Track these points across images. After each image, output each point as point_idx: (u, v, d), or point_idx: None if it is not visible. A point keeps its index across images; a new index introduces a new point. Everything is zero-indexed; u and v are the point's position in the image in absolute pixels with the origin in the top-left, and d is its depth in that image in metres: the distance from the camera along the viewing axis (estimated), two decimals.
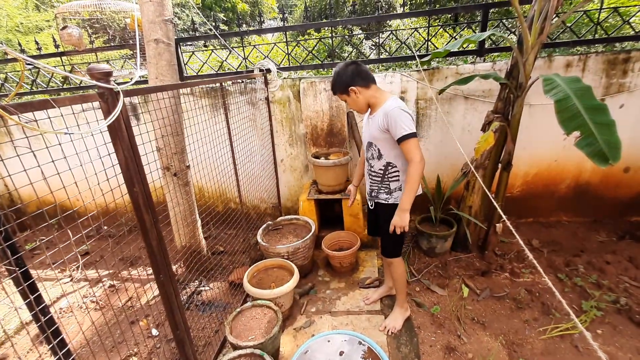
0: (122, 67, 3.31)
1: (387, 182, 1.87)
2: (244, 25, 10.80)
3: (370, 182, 1.96)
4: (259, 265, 2.42)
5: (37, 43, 3.23)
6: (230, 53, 3.56)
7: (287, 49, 3.09)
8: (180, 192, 2.55)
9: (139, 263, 3.26)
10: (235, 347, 1.76)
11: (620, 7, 2.70)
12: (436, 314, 2.27)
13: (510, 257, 2.77)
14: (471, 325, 2.19)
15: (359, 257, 2.89)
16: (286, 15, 3.12)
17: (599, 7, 2.63)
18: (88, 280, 3.11)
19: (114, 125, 1.20)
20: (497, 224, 2.64)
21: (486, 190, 1.98)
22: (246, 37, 3.73)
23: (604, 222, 3.19)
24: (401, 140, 1.66)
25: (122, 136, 1.24)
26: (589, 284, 2.42)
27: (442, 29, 4.25)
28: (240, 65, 3.31)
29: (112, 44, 2.94)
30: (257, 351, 1.70)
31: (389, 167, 1.83)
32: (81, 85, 3.53)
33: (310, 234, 2.60)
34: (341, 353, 1.74)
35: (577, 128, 1.66)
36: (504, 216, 1.63)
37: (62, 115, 1.17)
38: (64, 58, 3.21)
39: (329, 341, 1.84)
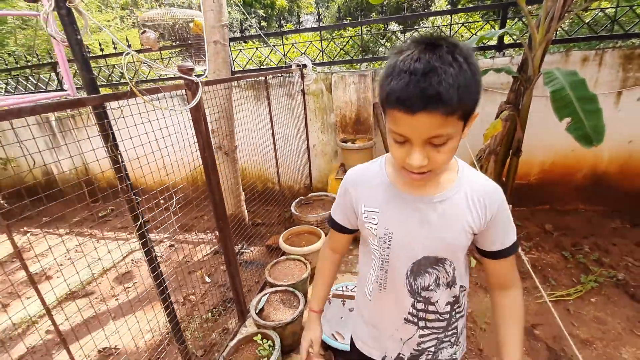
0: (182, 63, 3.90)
1: (455, 324, 0.91)
2: (282, 21, 11.38)
3: (421, 335, 0.90)
4: (292, 230, 2.88)
5: (113, 43, 3.91)
6: (271, 51, 4.03)
7: (322, 46, 3.50)
8: (229, 168, 3.07)
9: (193, 230, 3.87)
10: (273, 286, 2.23)
11: (635, 5, 2.80)
12: None
13: (519, 237, 3.02)
14: (476, 289, 2.51)
15: None
16: (322, 11, 3.52)
17: (615, 5, 2.76)
18: (152, 241, 3.76)
19: (196, 106, 1.69)
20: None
21: (494, 175, 2.28)
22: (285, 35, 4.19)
23: (621, 211, 3.30)
24: (511, 251, 0.84)
25: (199, 115, 1.73)
26: (591, 261, 2.63)
27: (463, 25, 4.44)
28: (280, 61, 3.77)
29: (174, 44, 3.52)
30: (290, 288, 2.16)
31: (460, 297, 0.90)
32: (147, 79, 4.18)
33: None
34: None
35: (569, 115, 1.92)
36: (509, 199, 1.94)
37: (158, 100, 1.68)
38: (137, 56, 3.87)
39: (347, 289, 2.26)
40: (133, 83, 1.28)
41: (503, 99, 3.17)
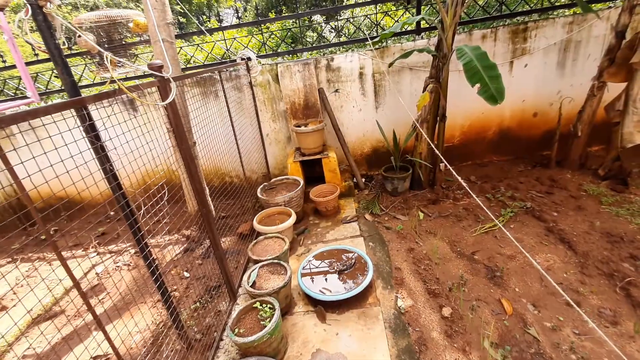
0: (134, 62, 3.74)
1: None
2: (202, 16, 10.99)
3: None
4: (262, 213, 3.08)
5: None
6: (214, 46, 4.07)
7: (263, 38, 3.67)
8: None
9: (156, 233, 3.80)
10: (258, 262, 2.44)
11: None
12: (400, 231, 3.06)
13: (452, 189, 3.62)
14: (425, 235, 3.00)
15: (340, 204, 3.62)
16: (243, 4, 3.69)
17: None
18: (112, 252, 3.63)
19: (172, 101, 1.80)
20: (440, 164, 3.46)
21: (427, 139, 2.74)
22: (221, 31, 4.25)
23: (523, 157, 4.13)
24: None
25: (175, 109, 1.85)
26: (507, 198, 3.31)
27: (386, 15, 4.96)
28: (223, 55, 3.85)
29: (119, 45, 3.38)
30: (275, 260, 2.39)
31: None
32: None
33: (300, 187, 3.29)
34: (337, 259, 2.47)
35: (478, 81, 2.44)
36: (442, 158, 2.39)
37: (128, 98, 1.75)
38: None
39: (325, 253, 2.56)
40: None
41: (427, 75, 3.71)
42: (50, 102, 4.07)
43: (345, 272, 2.46)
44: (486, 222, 3.05)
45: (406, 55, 3.17)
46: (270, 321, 1.89)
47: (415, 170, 3.56)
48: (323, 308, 2.26)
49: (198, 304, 2.65)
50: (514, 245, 2.74)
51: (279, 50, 3.76)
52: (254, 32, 4.24)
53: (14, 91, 4.20)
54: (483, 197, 3.42)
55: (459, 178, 2.15)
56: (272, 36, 4.20)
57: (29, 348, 2.46)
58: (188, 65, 3.82)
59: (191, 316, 2.57)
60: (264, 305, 2.06)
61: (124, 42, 3.30)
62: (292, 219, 2.87)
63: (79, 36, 2.72)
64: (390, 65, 3.39)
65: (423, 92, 3.32)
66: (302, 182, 3.40)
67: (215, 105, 2.96)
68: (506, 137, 4.07)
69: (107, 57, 1.64)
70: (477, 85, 2.44)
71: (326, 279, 2.46)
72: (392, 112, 3.91)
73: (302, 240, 3.11)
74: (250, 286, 2.22)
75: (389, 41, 3.82)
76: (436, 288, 2.38)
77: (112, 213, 4.52)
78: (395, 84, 3.77)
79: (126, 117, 1.70)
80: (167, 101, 1.75)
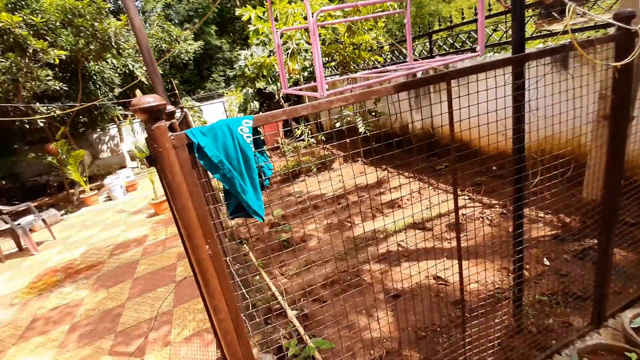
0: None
1: None
2: None
3: None
4: None
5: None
6: None
7: None
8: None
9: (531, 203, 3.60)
10: None
11: None
12: None
13: None
14: None
15: None
16: None
17: None
18: (482, 203, 3.89)
19: (628, 63, 1.38)
20: None
21: None
22: None
23: None
24: None
25: (628, 72, 1.41)
26: None
27: None
28: None
29: None
30: None
31: None
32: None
33: None
34: None
35: None
36: None
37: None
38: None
39: None
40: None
41: None
42: (490, 56, 4.50)
43: None
44: None
45: None
46: None
47: None
48: None
49: (547, 298, 2.34)
50: None
51: None
52: None
53: (460, 44, 5.00)
54: None
55: None
56: None
57: (402, 241, 3.38)
58: None
59: (532, 304, 2.35)
60: None
61: None
62: None
63: None
64: None
65: None
66: None
67: None
68: None
69: (569, 8, 1.46)
70: None
71: None
72: None
73: None
74: (634, 329, 1.60)
75: None
76: None
77: (494, 168, 4.72)
78: None
79: (554, 77, 1.53)
80: (625, 61, 1.36)
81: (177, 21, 16.70)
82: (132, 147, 10.92)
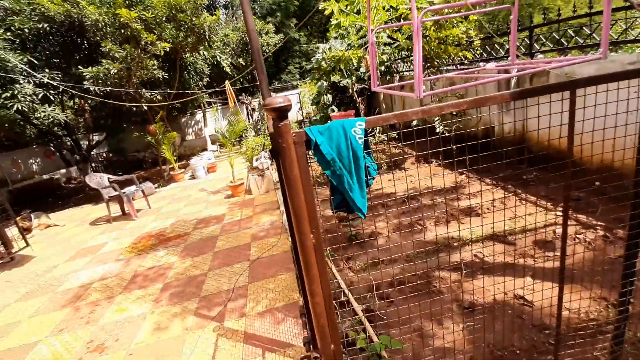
0: None
1: None
2: None
3: None
4: None
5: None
6: None
7: None
8: None
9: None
10: None
11: None
12: None
13: None
14: None
15: None
16: None
17: None
18: (579, 222, 3.47)
19: None
20: None
21: None
22: None
23: None
24: None
25: None
26: None
27: None
28: None
29: None
30: None
31: None
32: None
33: None
34: None
35: None
36: None
37: None
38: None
39: None
40: None
41: None
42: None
43: None
44: None
45: None
46: None
47: None
48: None
49: None
50: None
51: None
52: None
53: (565, 39, 4.40)
54: None
55: None
56: None
57: (479, 251, 3.19)
58: None
59: (633, 342, 2.06)
60: None
61: None
62: None
63: None
64: None
65: None
66: None
67: None
68: None
69: None
70: None
71: None
72: None
73: None
74: None
75: None
76: None
77: (597, 184, 4.15)
78: None
79: None
80: None
81: (259, 14, 17.61)
82: (213, 131, 11.95)
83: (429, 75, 5.12)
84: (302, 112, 11.73)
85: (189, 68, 9.91)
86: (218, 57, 11.13)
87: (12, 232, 5.45)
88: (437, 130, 5.20)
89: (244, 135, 9.56)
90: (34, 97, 7.02)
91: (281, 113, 1.01)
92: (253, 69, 14.88)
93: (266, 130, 10.24)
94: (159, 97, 8.61)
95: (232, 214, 5.58)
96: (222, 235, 4.76)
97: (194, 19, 7.81)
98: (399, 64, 8.31)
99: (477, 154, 1.44)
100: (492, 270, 2.94)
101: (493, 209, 3.79)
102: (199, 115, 13.42)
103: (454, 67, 5.93)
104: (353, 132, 1.06)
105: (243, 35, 13.37)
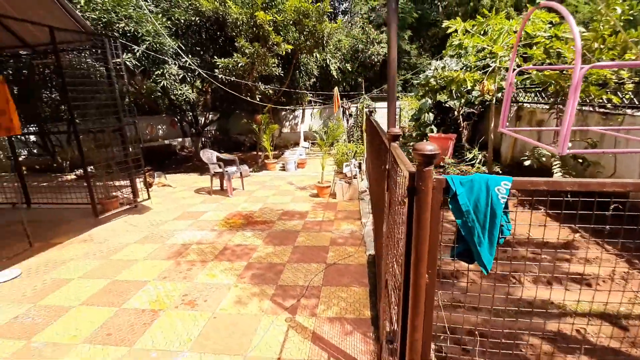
0: None
1: None
2: None
3: None
4: None
5: None
6: None
7: None
8: None
9: None
10: None
11: None
12: None
13: None
14: None
15: None
16: None
17: None
18: None
19: None
20: None
21: None
22: None
23: None
24: None
25: None
26: None
27: None
28: None
29: None
30: None
31: None
32: None
33: None
34: None
35: None
36: None
37: None
38: None
39: None
40: None
41: None
42: None
43: None
44: None
45: None
46: None
47: None
48: None
49: None
50: None
51: None
52: None
53: None
54: None
55: None
56: None
57: (582, 327, 2.76)
58: None
59: None
60: None
61: None
62: None
63: None
64: None
65: None
66: None
67: None
68: None
69: None
70: None
71: None
72: None
73: None
74: None
75: None
76: None
77: None
78: None
79: None
80: None
81: (375, 23, 17.85)
82: (307, 128, 12.60)
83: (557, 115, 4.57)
84: (398, 126, 11.57)
85: (301, 68, 10.62)
86: (328, 61, 11.69)
87: (139, 184, 6.63)
88: (555, 174, 4.62)
89: (337, 139, 9.86)
90: (176, 77, 8.37)
91: (428, 159, 1.05)
92: (358, 75, 15.18)
93: (359, 139, 10.38)
94: (270, 91, 9.45)
95: (315, 213, 5.84)
96: (303, 232, 5.03)
97: (316, 24, 8.35)
98: (520, 93, 7.58)
99: (604, 212, 1.28)
100: (593, 352, 2.54)
101: (611, 282, 3.24)
102: (298, 112, 14.29)
103: (591, 109, 5.17)
104: (497, 190, 1.05)
105: (355, 42, 13.75)
